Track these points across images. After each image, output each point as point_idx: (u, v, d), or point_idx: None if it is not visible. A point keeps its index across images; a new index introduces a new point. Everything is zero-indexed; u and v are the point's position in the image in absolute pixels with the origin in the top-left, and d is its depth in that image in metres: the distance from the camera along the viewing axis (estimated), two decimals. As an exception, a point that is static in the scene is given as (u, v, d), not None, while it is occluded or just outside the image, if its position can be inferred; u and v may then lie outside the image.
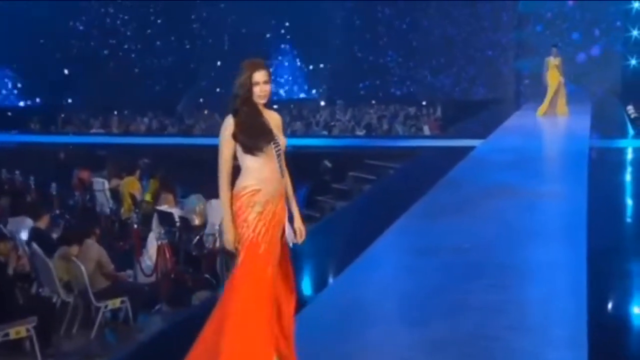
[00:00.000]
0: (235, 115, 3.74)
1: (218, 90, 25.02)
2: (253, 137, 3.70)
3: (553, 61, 15.88)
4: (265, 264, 3.65)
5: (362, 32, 24.83)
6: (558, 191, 8.78)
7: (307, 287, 6.04)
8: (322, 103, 24.16)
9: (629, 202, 8.76)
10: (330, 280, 5.92)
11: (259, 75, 3.74)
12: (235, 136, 3.70)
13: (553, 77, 15.88)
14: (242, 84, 3.74)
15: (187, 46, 25.11)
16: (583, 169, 10.00)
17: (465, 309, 4.91)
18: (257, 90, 3.75)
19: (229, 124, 3.73)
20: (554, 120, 15.37)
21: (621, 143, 13.28)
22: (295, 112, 21.62)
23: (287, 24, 25.07)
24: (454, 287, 5.40)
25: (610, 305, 5.25)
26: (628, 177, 10.39)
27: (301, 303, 5.46)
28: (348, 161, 13.07)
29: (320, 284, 5.81)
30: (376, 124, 17.75)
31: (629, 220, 7.83)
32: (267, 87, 3.77)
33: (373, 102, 23.04)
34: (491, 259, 6.16)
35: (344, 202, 10.31)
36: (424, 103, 22.46)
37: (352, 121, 18.13)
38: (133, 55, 24.93)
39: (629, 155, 11.91)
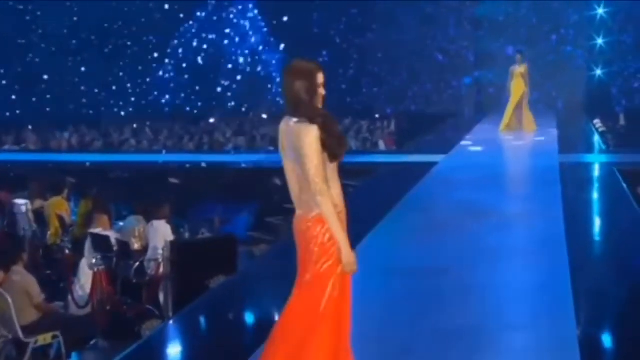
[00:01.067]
0: (313, 122, 3.63)
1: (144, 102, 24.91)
2: (340, 144, 3.67)
3: (518, 69, 16.08)
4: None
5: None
6: (532, 210, 9.03)
7: (268, 313, 6.03)
8: (264, 116, 24.16)
9: (606, 219, 9.02)
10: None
11: (322, 77, 3.73)
12: (324, 145, 3.63)
13: (517, 87, 16.09)
14: (309, 87, 3.67)
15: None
16: (556, 186, 10.27)
17: (443, 334, 4.97)
18: (321, 92, 3.71)
19: (316, 133, 3.62)
20: (518, 135, 15.67)
21: (591, 158, 13.69)
22: (236, 126, 21.59)
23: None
24: (429, 310, 5.47)
25: (600, 329, 5.38)
26: (602, 193, 10.70)
27: (266, 328, 5.48)
28: (300, 178, 13.06)
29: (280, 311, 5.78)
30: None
31: (608, 238, 8.05)
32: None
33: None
34: (469, 281, 6.26)
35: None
36: (377, 116, 22.68)
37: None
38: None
39: (601, 171, 12.27)
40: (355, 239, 7.40)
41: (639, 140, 18.63)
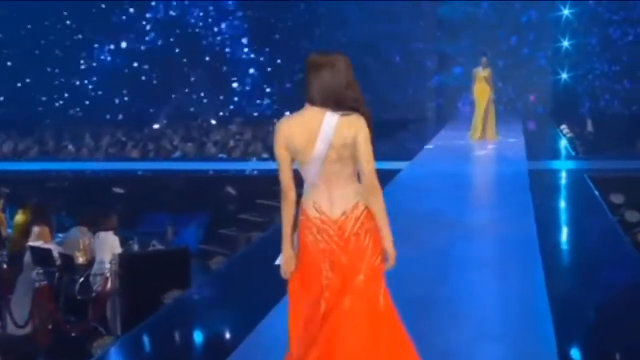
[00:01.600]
0: (361, 115, 3.78)
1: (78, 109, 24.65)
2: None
3: (481, 73, 16.00)
4: None
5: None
6: (503, 218, 9.14)
7: (226, 330, 5.99)
8: (213, 122, 24.07)
9: (580, 227, 9.19)
10: (258, 324, 5.88)
11: None
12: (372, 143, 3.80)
13: (481, 92, 16.03)
14: (350, 79, 3.80)
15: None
16: (526, 194, 10.43)
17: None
18: None
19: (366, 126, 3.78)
20: (483, 143, 15.76)
21: (560, 164, 13.94)
22: (183, 132, 21.47)
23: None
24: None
25: (579, 339, 5.47)
26: (574, 201, 10.91)
27: (224, 346, 5.45)
28: (255, 187, 13.07)
29: (241, 329, 5.75)
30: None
31: (583, 247, 8.21)
32: None
33: (275, 120, 23.12)
34: (441, 292, 6.31)
35: (258, 233, 10.27)
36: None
37: (260, 142, 18.16)
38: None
39: (571, 178, 12.49)
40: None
41: (607, 146, 19.14)
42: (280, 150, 3.80)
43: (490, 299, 6.28)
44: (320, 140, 3.77)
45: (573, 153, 15.37)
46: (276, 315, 5.92)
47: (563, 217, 9.85)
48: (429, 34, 24.38)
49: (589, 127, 20.78)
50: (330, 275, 3.82)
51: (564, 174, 12.98)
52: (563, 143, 16.78)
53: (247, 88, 25.08)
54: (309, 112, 3.81)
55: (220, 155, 17.48)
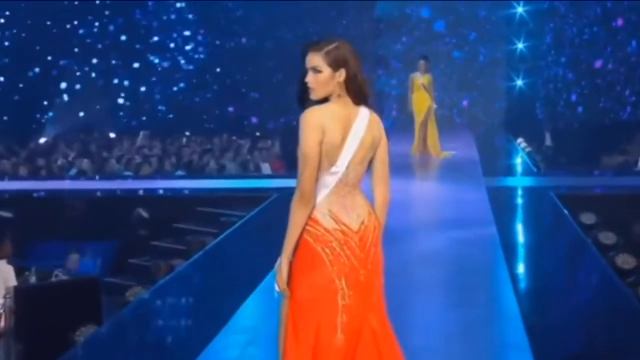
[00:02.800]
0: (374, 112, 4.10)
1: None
2: None
3: (420, 79, 15.65)
4: None
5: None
6: (463, 241, 9.35)
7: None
8: (112, 135, 23.82)
9: (552, 251, 9.43)
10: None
11: (307, 60, 4.02)
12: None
13: (420, 101, 15.71)
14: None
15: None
16: (487, 213, 10.61)
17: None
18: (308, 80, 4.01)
19: None
20: (428, 158, 15.68)
21: (521, 182, 14.25)
22: (79, 145, 21.17)
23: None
24: None
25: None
26: (543, 222, 11.17)
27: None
28: (171, 209, 13.00)
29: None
30: (199, 161, 17.78)
31: (557, 271, 8.42)
32: (317, 77, 3.96)
33: (187, 133, 23.05)
34: (403, 320, 6.37)
35: (179, 261, 10.22)
36: (257, 134, 22.77)
37: (173, 157, 18.06)
38: None
39: (536, 196, 12.78)
40: (251, 280, 7.54)
41: (569, 161, 19.67)
42: (314, 145, 3.86)
43: (458, 329, 6.37)
44: (352, 137, 3.95)
45: (535, 169, 15.71)
46: (208, 354, 5.92)
47: (532, 239, 10.07)
48: (365, 34, 24.58)
49: (548, 141, 21.33)
50: (350, 293, 3.92)
51: (527, 192, 13.26)
52: (522, 158, 17.14)
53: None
54: (340, 105, 3.98)
55: (125, 172, 17.29)
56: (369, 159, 4.00)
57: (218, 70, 24.77)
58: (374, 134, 3.98)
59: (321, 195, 3.93)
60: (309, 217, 3.92)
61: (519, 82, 23.69)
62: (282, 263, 3.94)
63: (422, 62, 15.72)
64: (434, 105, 15.80)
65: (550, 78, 23.88)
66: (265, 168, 17.74)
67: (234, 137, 21.68)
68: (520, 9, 23.67)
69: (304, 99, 4.03)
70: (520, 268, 8.56)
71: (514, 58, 23.74)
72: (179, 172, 17.01)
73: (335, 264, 3.90)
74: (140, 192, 14.11)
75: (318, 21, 23.96)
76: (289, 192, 12.14)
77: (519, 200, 12.75)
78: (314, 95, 3.99)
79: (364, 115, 3.99)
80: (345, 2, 24.41)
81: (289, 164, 19.36)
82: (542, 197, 12.48)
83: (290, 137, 22.43)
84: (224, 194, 13.53)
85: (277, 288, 3.94)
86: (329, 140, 3.89)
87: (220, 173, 16.64)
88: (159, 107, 24.84)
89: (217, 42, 24.83)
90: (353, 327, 3.89)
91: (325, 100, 3.99)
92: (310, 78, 3.98)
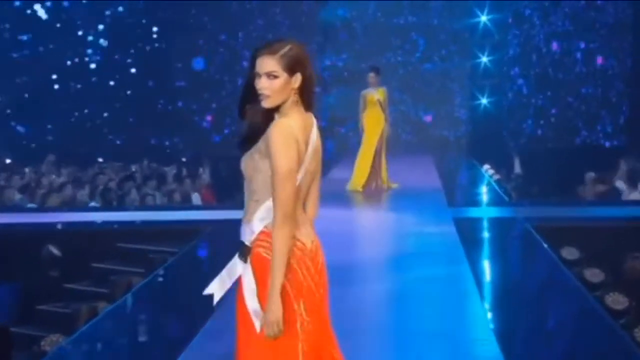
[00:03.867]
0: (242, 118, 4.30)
1: None
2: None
3: (373, 94, 15.33)
4: None
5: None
6: (433, 275, 9.51)
7: None
8: (8, 160, 23.55)
9: (527, 285, 9.55)
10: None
11: (259, 65, 4.16)
12: None
13: (373, 121, 15.34)
14: (250, 71, 4.21)
15: None
16: (456, 246, 10.75)
17: None
18: (256, 86, 4.17)
19: None
20: (374, 191, 15.36)
21: (491, 212, 14.43)
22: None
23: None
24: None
25: None
26: (522, 258, 11.31)
27: None
28: (88, 245, 12.90)
29: None
30: (117, 190, 17.67)
31: (534, 306, 8.54)
32: (273, 84, 4.13)
33: (100, 159, 22.91)
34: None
35: (104, 304, 10.14)
36: (184, 159, 22.72)
37: (87, 187, 17.90)
38: None
39: (511, 228, 12.95)
40: (189, 323, 7.50)
41: (542, 191, 19.97)
42: (295, 160, 4.07)
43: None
44: (310, 148, 4.18)
45: (506, 198, 15.90)
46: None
47: (509, 276, 10.17)
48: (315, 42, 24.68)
49: (517, 168, 21.60)
50: (307, 318, 4.08)
51: (499, 224, 13.42)
52: (490, 186, 17.34)
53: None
54: (299, 113, 4.20)
55: (29, 205, 17.09)
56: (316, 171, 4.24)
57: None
58: (319, 145, 4.23)
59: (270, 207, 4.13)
60: (262, 232, 4.11)
61: (484, 101, 23.96)
62: (275, 299, 3.97)
63: (371, 74, 15.38)
64: (388, 127, 15.48)
65: (517, 96, 24.25)
66: (195, 198, 17.70)
67: (154, 164, 21.60)
68: (484, 18, 23.97)
69: (245, 109, 4.21)
70: (498, 309, 8.64)
71: (477, 73, 24.04)
72: (94, 203, 16.86)
73: (293, 284, 4.04)
74: (50, 226, 13.93)
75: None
76: (223, 225, 12.19)
77: (491, 233, 12.88)
78: (267, 104, 4.13)
79: (315, 123, 4.24)
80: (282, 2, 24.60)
81: (221, 193, 19.35)
82: (517, 229, 12.65)
83: (220, 162, 22.43)
84: (149, 228, 13.45)
85: (267, 331, 3.99)
86: (302, 154, 4.11)
87: (144, 204, 16.55)
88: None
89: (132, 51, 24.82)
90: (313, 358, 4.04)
91: (273, 109, 4.16)
92: (264, 84, 4.12)
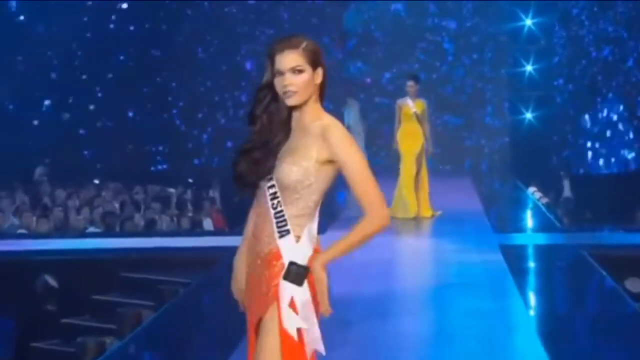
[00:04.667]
0: (252, 124, 4.51)
1: None
2: (251, 165, 4.45)
3: (410, 106, 15.14)
4: None
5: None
6: (481, 310, 9.49)
7: None
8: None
9: (590, 321, 9.53)
10: None
11: (281, 61, 4.34)
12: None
13: (411, 138, 15.11)
14: (265, 73, 4.41)
15: None
16: (505, 277, 10.74)
17: None
18: (278, 85, 4.35)
19: None
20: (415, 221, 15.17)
21: (541, 238, 14.40)
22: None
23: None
24: None
25: None
26: (581, 290, 11.29)
27: None
28: (88, 275, 12.93)
29: None
30: (120, 214, 17.74)
31: (602, 346, 8.50)
32: (297, 80, 4.33)
33: (96, 181, 22.98)
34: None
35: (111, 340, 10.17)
36: (190, 180, 22.80)
37: (84, 212, 17.94)
38: None
39: (565, 256, 12.93)
40: None
41: (596, 216, 19.85)
42: None
43: None
44: None
45: (557, 224, 15.85)
46: None
47: (568, 310, 10.13)
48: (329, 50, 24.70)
49: (567, 192, 21.50)
50: None
51: (551, 251, 13.39)
52: (538, 210, 17.30)
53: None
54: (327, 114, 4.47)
55: (19, 231, 17.13)
56: None
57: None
58: None
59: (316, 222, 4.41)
60: (314, 249, 4.35)
61: (528, 115, 23.89)
62: (320, 269, 4.27)
63: (410, 83, 15.17)
64: (430, 147, 15.26)
65: (566, 109, 24.11)
66: (207, 223, 17.73)
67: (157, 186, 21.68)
68: (529, 22, 23.93)
69: (258, 114, 4.42)
70: (554, 346, 8.57)
71: (521, 83, 24.00)
72: (92, 228, 16.88)
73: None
74: (47, 254, 13.94)
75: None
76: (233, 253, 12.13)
77: (542, 261, 12.87)
78: (294, 100, 4.33)
79: None
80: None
81: (232, 219, 19.38)
82: (572, 257, 12.59)
83: (230, 185, 22.47)
84: (158, 256, 13.45)
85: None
86: None
87: (150, 229, 16.59)
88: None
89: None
90: None
91: (289, 110, 4.38)
92: (289, 80, 4.31)
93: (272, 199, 4.37)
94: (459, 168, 23.00)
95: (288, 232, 4.33)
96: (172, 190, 20.88)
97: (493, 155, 24.82)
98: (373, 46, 25.20)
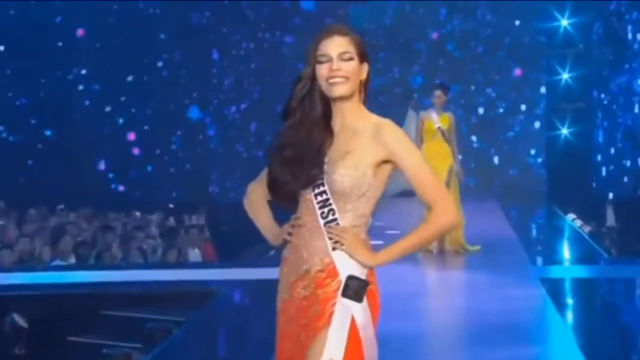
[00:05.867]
0: (285, 119, 4.68)
1: None
2: (286, 169, 4.59)
3: (431, 121, 14.86)
4: None
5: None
6: (532, 354, 9.56)
7: None
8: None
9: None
10: None
11: (329, 46, 4.52)
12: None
13: (438, 157, 14.41)
14: (305, 65, 4.58)
15: None
16: (552, 315, 10.77)
17: None
18: (323, 72, 4.52)
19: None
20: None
21: (586, 271, 14.48)
22: None
23: None
24: None
25: None
26: (633, 326, 11.31)
27: None
28: (64, 315, 12.96)
29: None
30: (91, 243, 17.76)
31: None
32: (347, 66, 4.51)
33: (61, 206, 23.03)
34: None
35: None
36: (171, 206, 22.86)
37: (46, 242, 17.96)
38: None
39: (619, 292, 12.96)
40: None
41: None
42: None
43: None
44: None
45: (605, 254, 15.90)
46: None
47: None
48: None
49: (611, 220, 21.46)
50: None
51: (602, 286, 13.44)
52: (581, 240, 17.36)
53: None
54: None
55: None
56: None
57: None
58: None
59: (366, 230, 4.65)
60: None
61: (564, 131, 23.87)
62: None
63: (438, 92, 14.83)
64: (459, 167, 14.91)
65: (610, 123, 24.12)
66: (195, 255, 17.75)
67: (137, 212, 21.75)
68: (565, 22, 23.90)
69: (295, 107, 4.60)
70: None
71: (557, 94, 24.05)
72: (58, 261, 16.85)
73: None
74: (13, 290, 13.99)
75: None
76: (240, 286, 12.32)
77: (594, 298, 12.90)
78: (343, 90, 4.50)
79: None
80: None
81: (223, 250, 19.43)
82: (628, 293, 12.64)
83: (216, 210, 22.56)
84: (145, 291, 13.50)
85: None
86: None
87: (131, 261, 16.63)
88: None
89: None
90: None
91: (327, 106, 4.57)
92: (338, 66, 4.49)
93: (321, 207, 4.48)
94: (484, 190, 22.97)
95: (341, 244, 4.45)
96: (151, 216, 20.95)
97: (524, 176, 24.90)
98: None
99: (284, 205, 4.66)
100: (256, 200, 4.79)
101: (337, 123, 4.54)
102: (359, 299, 4.42)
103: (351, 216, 4.47)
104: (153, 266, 16.51)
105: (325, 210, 4.46)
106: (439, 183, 4.56)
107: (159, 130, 25.32)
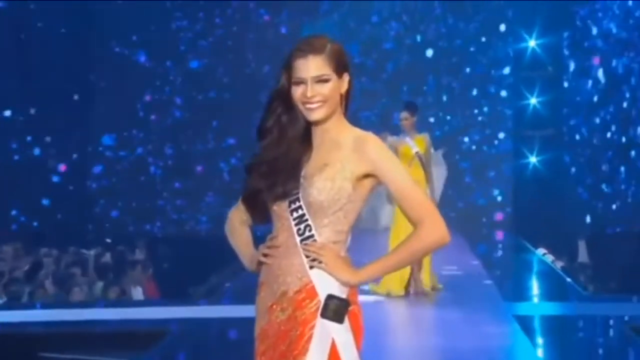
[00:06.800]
0: (261, 138, 4.77)
1: None
2: (262, 180, 4.71)
3: (409, 147, 14.46)
4: None
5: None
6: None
7: None
8: None
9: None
10: None
11: (302, 69, 4.60)
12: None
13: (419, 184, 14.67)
14: (278, 82, 4.71)
15: None
16: (530, 356, 10.93)
17: None
18: (299, 95, 4.63)
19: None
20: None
21: (562, 308, 14.66)
22: None
23: None
24: None
25: None
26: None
27: None
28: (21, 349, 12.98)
29: None
30: (24, 280, 17.72)
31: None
32: (323, 89, 4.61)
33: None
34: None
35: None
36: (109, 241, 22.83)
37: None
38: None
39: (604, 330, 13.11)
40: None
41: (621, 285, 19.99)
42: None
43: None
44: None
45: (582, 291, 16.03)
46: None
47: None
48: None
49: (582, 255, 21.56)
50: None
51: (583, 323, 13.56)
52: (554, 275, 17.51)
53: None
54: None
55: None
56: None
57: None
58: None
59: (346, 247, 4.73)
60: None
61: (533, 159, 24.03)
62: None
63: (405, 114, 14.51)
64: (436, 197, 14.84)
65: (581, 152, 24.27)
66: (137, 292, 17.72)
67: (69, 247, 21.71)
68: (532, 43, 24.06)
69: (269, 128, 4.71)
70: None
71: (524, 119, 24.24)
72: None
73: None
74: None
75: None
76: (192, 326, 12.43)
77: (573, 335, 13.03)
78: (320, 114, 4.62)
79: None
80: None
81: (166, 287, 19.43)
82: (610, 331, 12.77)
83: (159, 245, 22.55)
84: (87, 332, 13.45)
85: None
86: None
87: (68, 300, 16.57)
88: None
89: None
90: None
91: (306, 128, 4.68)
92: (314, 91, 4.57)
93: (297, 224, 4.58)
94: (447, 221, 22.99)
95: (319, 261, 4.52)
96: (88, 252, 20.90)
97: (490, 207, 25.17)
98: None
99: (259, 221, 4.74)
100: (235, 226, 4.86)
101: (317, 137, 4.65)
102: (339, 320, 4.47)
103: (329, 231, 4.56)
104: (93, 305, 16.37)
105: (302, 226, 4.55)
106: (426, 199, 4.66)
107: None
